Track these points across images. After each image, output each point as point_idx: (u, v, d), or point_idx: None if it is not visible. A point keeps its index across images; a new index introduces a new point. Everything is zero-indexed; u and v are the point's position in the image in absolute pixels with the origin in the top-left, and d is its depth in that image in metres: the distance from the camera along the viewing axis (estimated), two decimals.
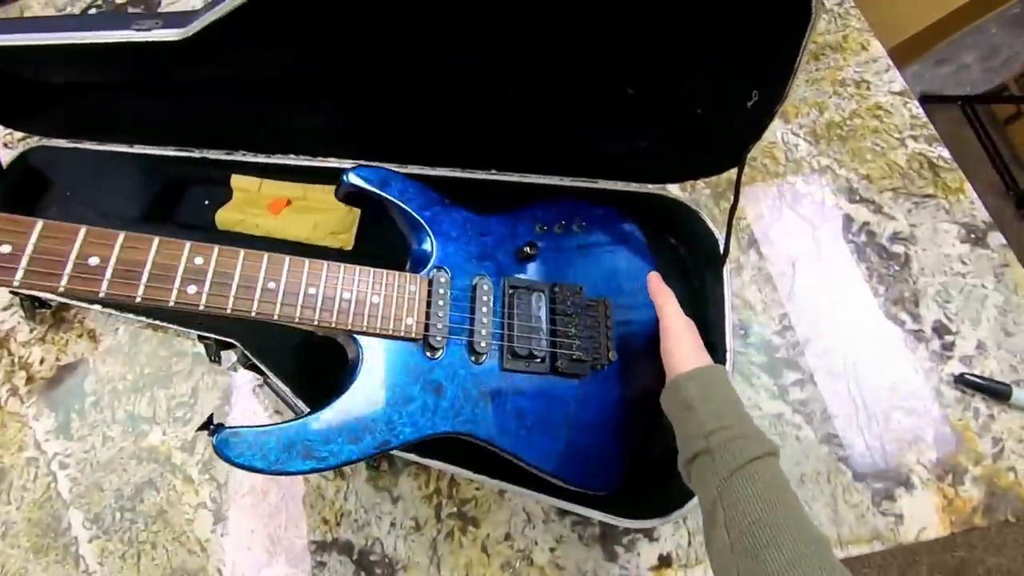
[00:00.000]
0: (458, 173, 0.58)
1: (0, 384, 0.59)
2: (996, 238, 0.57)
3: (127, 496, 0.53)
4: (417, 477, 0.51)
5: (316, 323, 0.38)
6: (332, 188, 0.59)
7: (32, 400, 0.58)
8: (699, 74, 0.44)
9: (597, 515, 0.43)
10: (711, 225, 0.52)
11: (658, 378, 0.43)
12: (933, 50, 1.19)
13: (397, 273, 0.42)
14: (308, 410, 0.38)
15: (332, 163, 0.60)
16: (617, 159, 0.53)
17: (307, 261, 0.39)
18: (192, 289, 0.34)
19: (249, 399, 0.55)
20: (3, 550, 0.52)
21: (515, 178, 0.57)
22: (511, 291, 0.46)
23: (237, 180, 0.62)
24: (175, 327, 0.56)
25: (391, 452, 0.42)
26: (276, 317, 0.37)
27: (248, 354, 0.52)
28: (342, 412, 0.38)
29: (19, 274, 0.31)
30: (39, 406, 0.58)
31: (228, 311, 0.35)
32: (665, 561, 0.47)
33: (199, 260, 0.35)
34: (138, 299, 0.33)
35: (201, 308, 0.35)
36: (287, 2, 0.41)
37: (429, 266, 0.45)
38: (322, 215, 0.59)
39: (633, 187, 0.55)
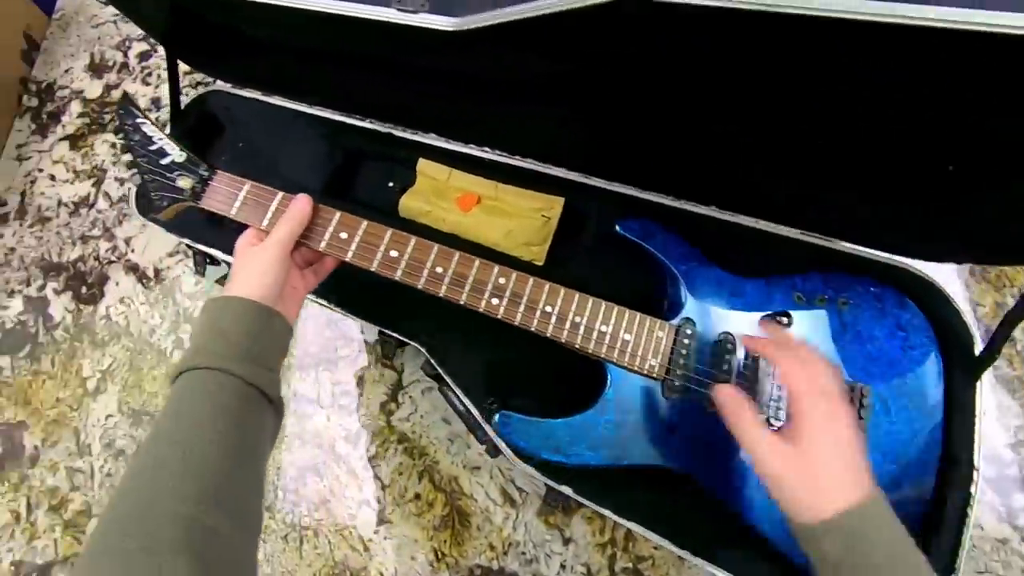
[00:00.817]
0: (669, 201, 0.55)
1: (166, 334, 0.62)
2: None
3: (291, 477, 0.56)
4: (591, 522, 0.51)
5: (577, 346, 0.44)
6: (527, 192, 0.59)
7: None
8: None
9: None
10: (967, 318, 0.48)
11: (915, 484, 0.42)
12: None
13: (649, 317, 0.45)
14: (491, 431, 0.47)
15: (527, 164, 0.59)
16: (874, 223, 0.49)
17: (577, 295, 0.45)
18: (495, 301, 0.45)
19: (419, 399, 0.56)
20: None
21: (728, 217, 0.54)
22: (755, 355, 0.45)
23: (425, 165, 0.61)
24: (362, 321, 0.56)
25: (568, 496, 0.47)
26: (548, 335, 0.45)
27: (434, 364, 0.53)
28: (587, 423, 0.44)
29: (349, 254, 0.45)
30: None
31: (516, 323, 0.45)
32: None
33: (502, 280, 0.45)
34: (462, 301, 0.45)
35: (500, 316, 0.45)
36: (583, 22, 0.38)
37: (679, 317, 0.46)
38: (515, 222, 0.58)
39: (873, 254, 0.51)
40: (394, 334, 0.53)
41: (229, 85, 0.65)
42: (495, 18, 0.39)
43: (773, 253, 0.50)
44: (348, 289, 0.54)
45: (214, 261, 0.62)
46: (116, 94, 0.75)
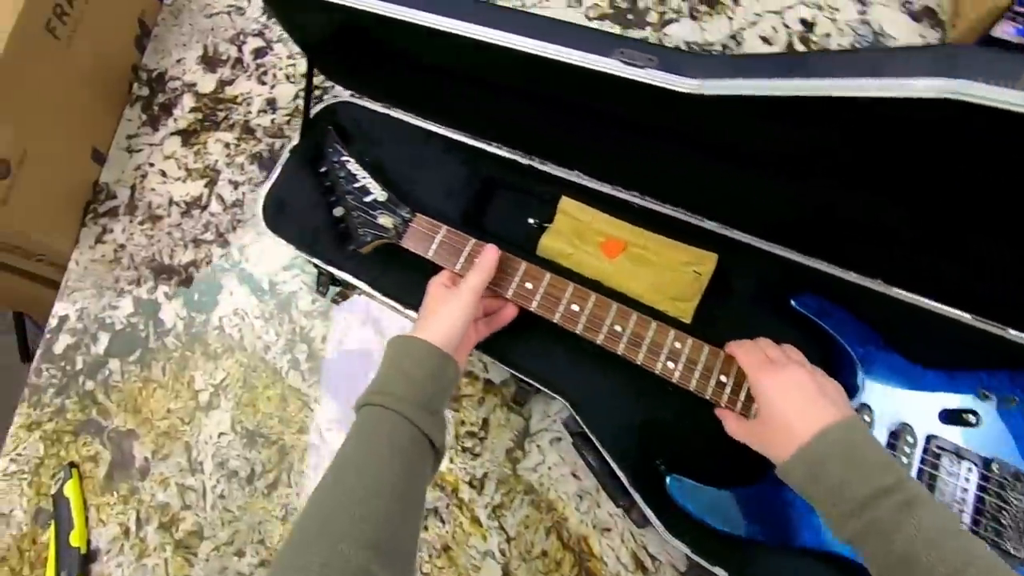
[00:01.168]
0: (832, 270, 0.54)
1: (281, 353, 0.62)
2: None
3: None
4: None
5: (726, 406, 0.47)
6: (677, 244, 0.57)
7: (315, 379, 0.61)
8: None
9: None
10: None
11: None
12: None
13: None
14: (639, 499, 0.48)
15: (677, 213, 0.58)
16: None
17: (723, 355, 0.48)
18: (671, 365, 0.48)
19: (546, 449, 0.56)
20: (283, 535, 0.56)
21: (900, 295, 0.53)
22: (937, 451, 0.44)
23: (567, 204, 0.60)
24: (493, 361, 0.56)
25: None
26: (723, 403, 0.47)
27: (578, 420, 0.53)
28: (759, 496, 0.46)
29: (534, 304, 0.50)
30: (320, 389, 0.61)
31: (691, 388, 0.47)
32: None
33: (678, 344, 0.48)
34: (638, 360, 0.48)
35: (675, 380, 0.48)
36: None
37: (856, 401, 0.46)
38: (662, 274, 0.57)
39: None
40: (537, 385, 0.53)
41: (356, 96, 0.64)
42: (739, 89, 0.37)
43: (956, 343, 0.49)
44: (497, 339, 0.54)
45: (335, 282, 0.62)
46: (230, 91, 0.74)
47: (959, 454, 0.45)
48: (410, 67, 0.57)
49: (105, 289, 0.68)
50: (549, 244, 0.59)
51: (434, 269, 0.52)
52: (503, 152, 0.61)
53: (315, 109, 0.63)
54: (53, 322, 0.69)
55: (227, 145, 0.72)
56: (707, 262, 0.56)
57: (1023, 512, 0.43)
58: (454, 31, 0.44)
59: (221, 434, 0.59)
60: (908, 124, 0.36)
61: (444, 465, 0.56)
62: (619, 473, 0.49)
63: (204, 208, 0.69)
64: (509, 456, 0.56)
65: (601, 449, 0.51)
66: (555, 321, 0.51)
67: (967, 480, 0.44)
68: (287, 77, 0.74)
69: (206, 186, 0.70)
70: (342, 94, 0.65)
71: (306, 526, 0.35)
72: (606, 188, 0.59)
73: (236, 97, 0.74)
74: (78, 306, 0.69)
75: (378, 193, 0.57)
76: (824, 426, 0.36)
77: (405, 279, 0.57)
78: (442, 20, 0.45)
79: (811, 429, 0.37)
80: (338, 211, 0.57)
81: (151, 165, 0.73)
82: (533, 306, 0.51)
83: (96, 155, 0.75)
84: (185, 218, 0.69)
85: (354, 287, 0.62)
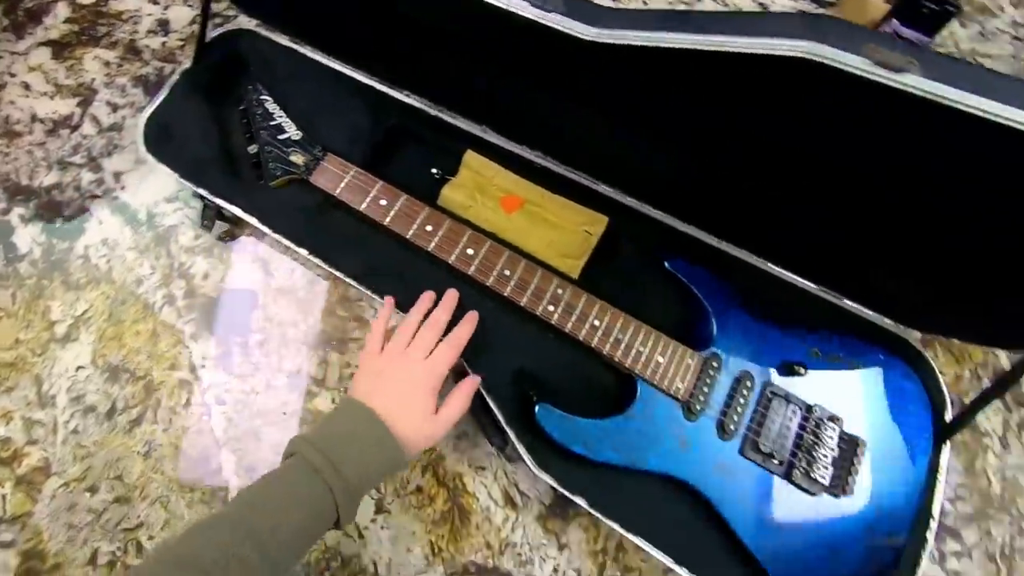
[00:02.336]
0: (708, 239, 0.65)
1: (156, 287, 0.64)
2: None
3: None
4: (587, 530, 0.59)
5: (616, 359, 0.56)
6: (572, 204, 0.66)
7: (191, 316, 0.63)
8: None
9: None
10: (944, 388, 0.62)
11: (890, 530, 0.54)
12: None
13: (683, 345, 0.57)
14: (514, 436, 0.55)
15: (577, 177, 0.66)
16: (888, 292, 0.62)
17: (622, 315, 0.57)
18: (551, 308, 0.57)
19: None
20: (145, 471, 0.58)
21: (753, 260, 0.65)
22: (770, 395, 0.56)
23: (472, 158, 0.67)
24: (370, 294, 0.61)
25: (570, 501, 0.55)
26: (592, 345, 0.56)
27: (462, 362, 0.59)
28: (615, 427, 0.55)
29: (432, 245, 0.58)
30: (198, 325, 0.63)
31: (566, 329, 0.56)
32: None
33: (560, 291, 0.57)
34: (523, 302, 0.57)
35: (553, 321, 0.56)
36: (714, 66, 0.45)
37: (707, 350, 0.57)
38: (557, 233, 0.65)
39: (883, 320, 0.64)
40: None
41: (262, 27, 0.67)
42: (631, 39, 0.45)
43: (796, 305, 0.62)
44: (383, 279, 0.59)
45: (222, 217, 0.65)
46: (115, 5, 0.74)
47: (787, 399, 0.57)
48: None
49: None
50: (450, 195, 0.66)
51: (330, 214, 0.57)
52: (411, 100, 0.67)
53: (215, 34, 0.66)
54: None
55: (107, 64, 0.72)
56: (598, 224, 0.66)
57: (832, 448, 0.56)
58: None
59: (79, 368, 0.60)
60: (771, 84, 0.45)
61: (325, 405, 0.61)
62: (496, 412, 0.57)
63: (75, 129, 0.69)
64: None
65: (481, 390, 0.58)
66: (450, 262, 0.58)
67: (791, 420, 0.56)
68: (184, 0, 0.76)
69: (79, 105, 0.70)
70: (247, 24, 0.68)
71: (196, 538, 0.39)
72: (511, 146, 0.66)
73: (121, 13, 0.74)
74: None
75: (293, 132, 0.61)
76: None
77: (297, 218, 0.61)
78: None
79: None
80: (252, 148, 0.61)
81: (12, 75, 0.71)
82: (431, 247, 0.58)
83: None
84: (51, 137, 0.68)
85: (243, 223, 0.66)
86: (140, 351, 0.61)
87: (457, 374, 0.54)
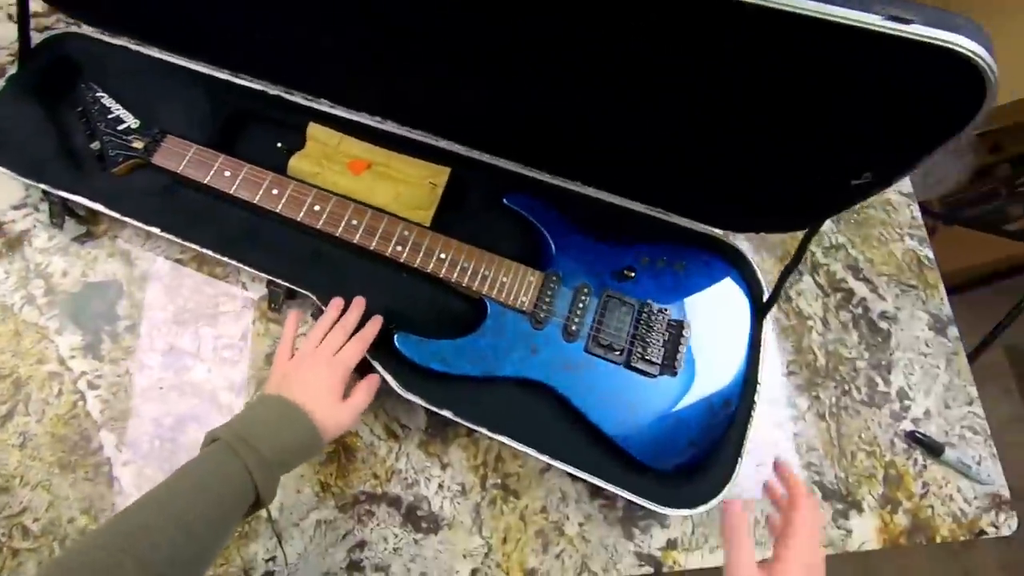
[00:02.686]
0: (544, 177, 0.74)
1: (13, 290, 0.66)
2: (953, 331, 0.85)
3: (168, 426, 0.63)
4: (467, 448, 0.67)
5: (464, 285, 0.64)
6: (416, 161, 0.74)
7: (54, 313, 0.66)
8: (826, 148, 0.55)
9: (634, 498, 0.62)
10: (760, 276, 0.74)
11: (724, 397, 0.65)
12: None
13: (523, 265, 0.66)
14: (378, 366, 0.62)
15: (417, 136, 0.74)
16: (697, 202, 0.73)
17: (466, 246, 0.66)
18: (399, 248, 0.64)
19: None
20: (22, 460, 0.60)
21: (591, 192, 0.75)
22: (607, 298, 0.66)
23: (315, 130, 0.74)
24: (246, 268, 0.66)
25: (448, 424, 0.64)
26: (441, 275, 0.64)
27: (323, 307, 0.65)
28: (469, 344, 0.63)
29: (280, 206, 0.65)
30: (62, 320, 0.66)
31: (416, 265, 0.64)
32: (672, 544, 0.66)
33: (406, 232, 0.65)
34: (372, 246, 0.64)
35: (403, 260, 0.64)
36: None
37: (549, 269, 0.67)
38: (404, 187, 0.73)
39: (700, 227, 0.75)
40: (286, 283, 0.65)
41: (92, 29, 0.71)
42: None
43: (626, 224, 0.72)
44: (239, 245, 0.65)
45: (71, 213, 0.68)
46: None
47: (622, 300, 0.67)
48: None
49: None
50: (297, 165, 0.72)
51: (179, 192, 0.62)
52: (251, 83, 0.73)
53: (41, 39, 0.69)
54: None
55: None
56: (441, 175, 0.74)
57: (662, 333, 0.66)
58: None
59: None
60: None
61: (201, 376, 0.65)
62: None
63: None
64: (268, 360, 0.67)
65: None
66: (299, 219, 0.64)
67: (626, 316, 0.66)
68: (9, 17, 0.78)
69: None
70: (80, 29, 0.71)
71: (119, 523, 0.42)
72: (351, 115, 0.74)
73: None
74: None
75: (131, 121, 0.66)
76: None
77: (145, 201, 0.65)
78: None
79: None
80: (95, 145, 0.65)
81: None
82: (279, 207, 0.64)
83: None
84: None
85: (98, 220, 0.69)
86: (3, 351, 0.63)
87: (362, 373, 0.59)
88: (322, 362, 0.55)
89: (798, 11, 0.40)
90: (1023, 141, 1.72)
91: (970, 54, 0.39)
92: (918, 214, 0.88)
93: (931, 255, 0.86)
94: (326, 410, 0.53)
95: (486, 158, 0.74)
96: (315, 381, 0.54)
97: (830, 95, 0.49)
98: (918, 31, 0.39)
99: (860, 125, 0.51)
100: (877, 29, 0.40)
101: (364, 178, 0.72)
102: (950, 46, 0.39)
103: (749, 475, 0.70)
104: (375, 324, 0.60)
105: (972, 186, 1.78)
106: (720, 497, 0.63)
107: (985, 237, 1.57)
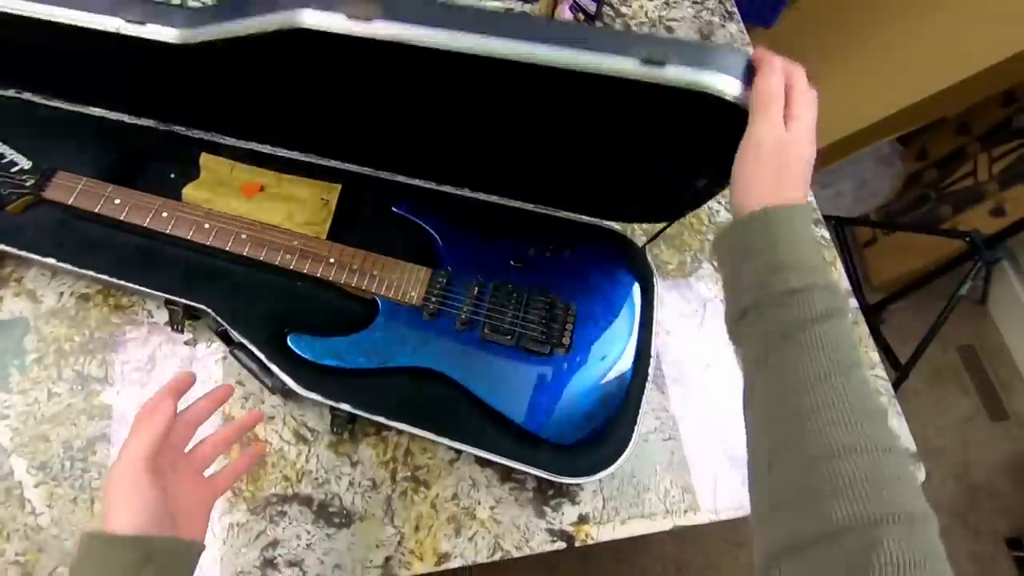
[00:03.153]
0: (431, 185, 0.82)
1: None
2: (851, 302, 0.93)
3: (77, 448, 0.66)
4: (376, 447, 0.71)
5: (354, 285, 0.71)
6: (307, 181, 0.81)
7: None
8: (666, 164, 0.66)
9: (535, 471, 0.66)
10: (650, 261, 0.81)
11: (618, 371, 0.72)
12: (817, 173, 1.69)
13: (412, 264, 0.74)
14: (277, 369, 0.67)
15: (307, 158, 0.81)
16: (579, 199, 0.80)
17: (354, 249, 0.73)
18: (288, 256, 0.70)
19: (212, 368, 0.73)
20: None
21: (481, 196, 0.82)
22: (495, 288, 0.73)
23: (207, 159, 0.80)
24: (144, 289, 0.70)
25: (354, 422, 0.69)
26: (331, 279, 0.70)
27: (220, 320, 0.71)
28: (362, 339, 0.70)
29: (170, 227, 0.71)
30: None
31: (306, 271, 0.70)
32: (583, 519, 0.71)
33: (295, 242, 0.72)
34: (262, 257, 0.70)
35: (292, 267, 0.70)
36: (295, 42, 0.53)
37: (439, 268, 0.74)
38: (297, 205, 0.79)
39: (585, 219, 0.82)
40: (183, 300, 0.70)
41: None
42: (212, 34, 0.55)
43: (512, 220, 0.79)
44: (132, 269, 0.71)
45: None
46: None
47: (511, 290, 0.73)
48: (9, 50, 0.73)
49: None
50: (191, 193, 0.78)
51: (73, 224, 0.68)
52: (139, 122, 0.80)
53: None
54: None
55: None
56: (332, 191, 0.80)
57: (550, 315, 0.72)
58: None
59: None
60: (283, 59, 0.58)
61: (111, 398, 0.70)
62: (259, 355, 0.68)
63: None
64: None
65: (244, 340, 0.70)
66: (190, 237, 0.70)
67: (516, 302, 0.72)
68: None
69: None
70: None
71: None
72: (242, 143, 0.80)
73: None
74: None
75: (24, 163, 0.72)
76: (771, 204, 0.41)
77: (39, 234, 0.71)
78: None
79: (762, 201, 0.42)
80: None
81: None
82: (169, 228, 0.69)
83: None
84: None
85: (3, 263, 0.74)
86: None
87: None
88: (193, 487, 0.49)
89: (548, 64, 0.46)
90: (946, 145, 1.86)
91: (719, 94, 0.45)
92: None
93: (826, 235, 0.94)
94: (198, 526, 0.48)
95: (373, 172, 0.81)
96: (186, 509, 0.46)
97: (627, 128, 0.59)
98: (669, 76, 0.45)
99: (672, 145, 0.61)
100: (633, 78, 0.45)
101: (257, 200, 0.78)
102: (703, 91, 0.45)
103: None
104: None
105: (905, 193, 1.93)
106: (618, 463, 0.68)
107: (923, 239, 1.70)
